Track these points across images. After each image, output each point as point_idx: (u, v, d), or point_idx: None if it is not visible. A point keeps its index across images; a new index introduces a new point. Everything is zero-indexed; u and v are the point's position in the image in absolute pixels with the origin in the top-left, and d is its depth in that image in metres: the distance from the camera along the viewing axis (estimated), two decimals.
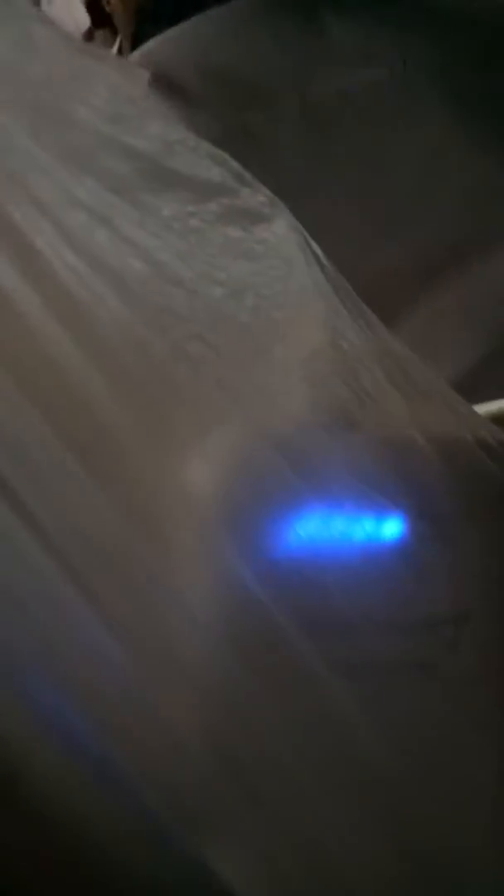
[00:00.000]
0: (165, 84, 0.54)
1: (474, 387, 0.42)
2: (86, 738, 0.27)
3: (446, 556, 0.35)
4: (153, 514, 0.30)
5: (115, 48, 0.66)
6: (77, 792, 0.27)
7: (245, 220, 0.35)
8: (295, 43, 0.56)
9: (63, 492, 0.28)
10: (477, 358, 0.51)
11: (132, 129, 0.34)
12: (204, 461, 0.31)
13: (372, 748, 0.32)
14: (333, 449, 0.34)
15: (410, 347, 0.37)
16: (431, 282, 0.53)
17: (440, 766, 0.34)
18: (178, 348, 0.31)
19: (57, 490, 0.28)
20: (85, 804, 0.27)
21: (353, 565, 0.34)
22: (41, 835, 0.27)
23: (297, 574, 0.32)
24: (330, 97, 0.55)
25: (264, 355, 0.33)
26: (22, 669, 0.26)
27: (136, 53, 0.59)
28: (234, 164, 0.35)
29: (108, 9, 0.69)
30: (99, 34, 0.71)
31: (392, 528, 0.34)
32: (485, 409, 0.40)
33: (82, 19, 0.72)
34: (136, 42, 0.63)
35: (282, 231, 0.35)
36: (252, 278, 0.34)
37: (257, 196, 0.35)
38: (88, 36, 0.72)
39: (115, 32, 0.69)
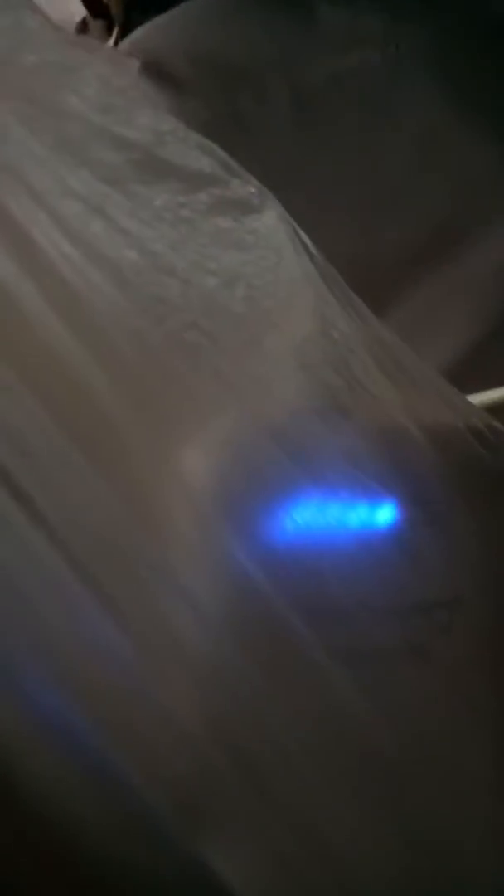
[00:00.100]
0: (155, 72, 0.54)
1: (463, 374, 0.42)
2: (85, 731, 0.27)
3: (439, 542, 0.36)
4: (153, 503, 0.30)
5: (111, 40, 0.66)
6: (76, 789, 0.27)
7: (235, 211, 0.35)
8: (285, 27, 0.55)
9: (63, 480, 0.28)
10: (467, 346, 0.51)
11: (123, 119, 0.33)
12: (201, 450, 0.31)
13: (372, 736, 0.32)
14: (328, 436, 0.34)
15: (400, 335, 0.37)
16: (421, 269, 0.53)
17: (438, 753, 0.34)
18: (175, 337, 0.31)
19: (57, 478, 0.28)
20: (84, 802, 0.27)
21: (349, 552, 0.34)
22: (40, 834, 0.27)
23: (294, 561, 0.32)
24: (321, 82, 0.54)
25: (257, 344, 0.33)
26: (22, 660, 0.27)
27: (125, 42, 0.58)
28: (223, 154, 0.35)
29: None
30: (95, 25, 0.70)
31: (386, 514, 0.35)
32: (477, 398, 0.40)
33: (77, 9, 0.71)
34: (124, 31, 0.63)
35: (271, 221, 0.35)
36: (243, 268, 0.34)
37: (247, 187, 0.35)
38: (83, 27, 0.71)
39: (110, 24, 0.68)
